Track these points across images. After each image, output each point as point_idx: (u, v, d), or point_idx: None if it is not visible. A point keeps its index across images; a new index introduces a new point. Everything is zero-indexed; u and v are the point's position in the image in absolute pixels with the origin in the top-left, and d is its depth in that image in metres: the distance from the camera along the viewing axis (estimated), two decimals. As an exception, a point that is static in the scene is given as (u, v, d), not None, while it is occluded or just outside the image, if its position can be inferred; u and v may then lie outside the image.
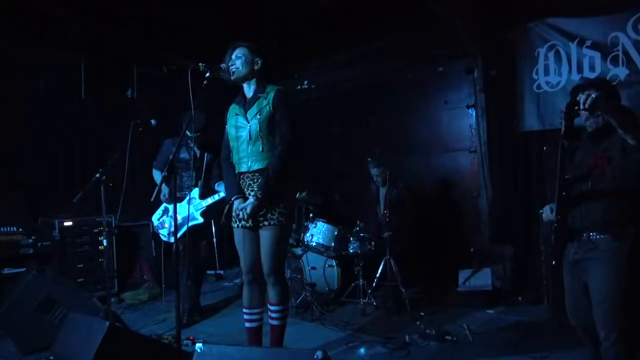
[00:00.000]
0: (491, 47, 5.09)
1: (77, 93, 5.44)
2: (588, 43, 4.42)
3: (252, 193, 2.90)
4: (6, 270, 4.24)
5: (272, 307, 3.05)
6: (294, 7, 5.04)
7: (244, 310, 3.12)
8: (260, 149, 2.89)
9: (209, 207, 4.18)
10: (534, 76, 4.80)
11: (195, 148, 4.21)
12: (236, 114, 3.01)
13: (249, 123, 2.92)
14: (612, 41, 4.27)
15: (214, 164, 4.25)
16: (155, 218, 4.40)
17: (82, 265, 4.81)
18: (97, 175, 3.49)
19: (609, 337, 2.28)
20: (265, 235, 2.92)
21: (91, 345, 2.59)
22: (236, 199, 2.95)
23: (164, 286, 5.36)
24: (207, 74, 2.78)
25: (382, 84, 5.98)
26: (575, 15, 4.50)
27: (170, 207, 4.20)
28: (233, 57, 2.95)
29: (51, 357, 3.03)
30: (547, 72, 4.72)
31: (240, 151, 2.97)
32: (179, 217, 4.03)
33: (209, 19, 5.17)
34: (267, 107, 2.89)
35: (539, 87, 4.79)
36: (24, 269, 4.07)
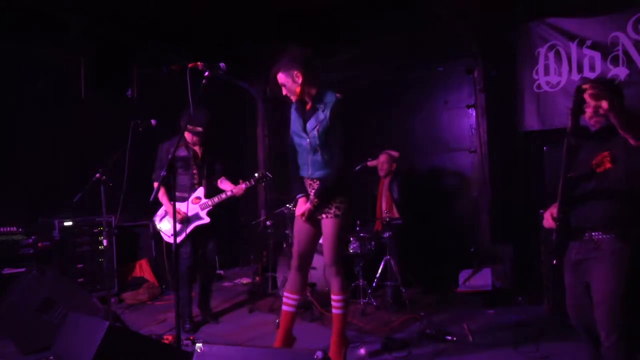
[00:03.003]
0: (491, 47, 5.10)
1: (77, 93, 5.44)
2: (588, 43, 4.43)
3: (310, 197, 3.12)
4: (6, 270, 4.24)
5: (334, 297, 3.12)
6: (294, 7, 5.03)
7: (286, 293, 3.19)
8: (320, 159, 3.06)
9: (215, 206, 4.13)
10: (534, 76, 4.81)
11: (194, 145, 4.18)
12: (297, 122, 3.12)
13: (308, 135, 3.04)
14: (612, 41, 4.28)
15: (216, 162, 4.25)
16: (157, 218, 4.37)
17: (82, 265, 4.81)
18: (97, 175, 3.50)
19: (610, 337, 2.27)
20: (325, 228, 3.10)
21: (91, 345, 2.58)
22: (301, 197, 3.15)
23: (163, 287, 5.37)
24: (207, 73, 2.79)
25: (383, 84, 5.98)
26: (575, 15, 4.51)
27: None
28: (277, 83, 3.04)
29: (51, 357, 3.02)
30: (547, 72, 4.73)
31: (303, 158, 3.15)
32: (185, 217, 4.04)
33: (209, 19, 5.17)
34: (325, 121, 2.98)
35: (539, 87, 4.79)
36: (24, 269, 4.06)
